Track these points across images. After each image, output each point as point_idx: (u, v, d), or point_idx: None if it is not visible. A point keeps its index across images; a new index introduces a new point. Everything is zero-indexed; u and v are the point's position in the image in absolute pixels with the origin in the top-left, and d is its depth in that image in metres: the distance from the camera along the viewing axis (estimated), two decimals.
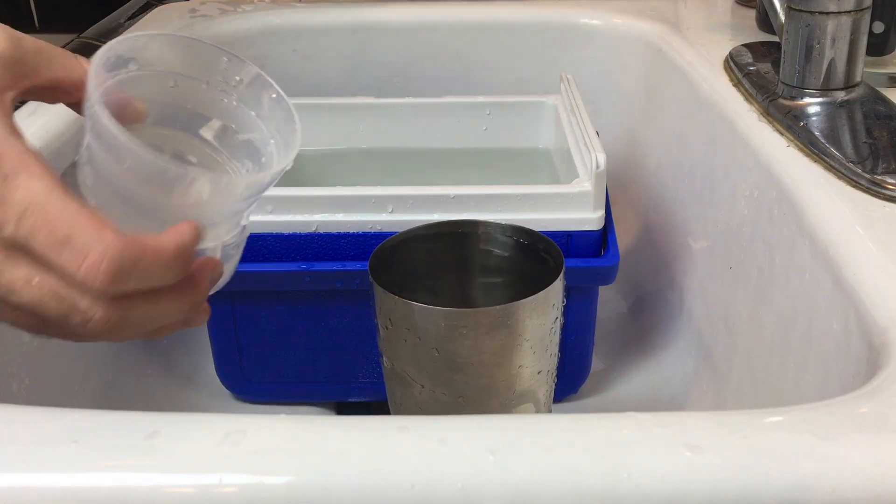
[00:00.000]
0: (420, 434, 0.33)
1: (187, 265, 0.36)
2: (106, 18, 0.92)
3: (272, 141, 0.40)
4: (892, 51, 0.70)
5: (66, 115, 0.64)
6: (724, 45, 0.78)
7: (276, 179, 0.38)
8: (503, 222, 0.56)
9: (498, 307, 0.49)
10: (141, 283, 0.34)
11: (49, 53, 0.38)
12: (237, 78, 0.40)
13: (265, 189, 0.38)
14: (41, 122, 0.63)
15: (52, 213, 0.33)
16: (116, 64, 0.37)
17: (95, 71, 0.35)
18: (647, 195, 0.84)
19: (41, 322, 0.35)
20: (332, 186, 0.61)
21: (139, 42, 0.38)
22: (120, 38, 0.38)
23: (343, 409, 0.71)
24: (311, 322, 0.64)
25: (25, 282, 0.34)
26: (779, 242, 0.55)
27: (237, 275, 0.60)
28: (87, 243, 0.33)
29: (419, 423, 0.34)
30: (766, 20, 0.81)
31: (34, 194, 0.34)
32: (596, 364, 0.70)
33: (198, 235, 0.36)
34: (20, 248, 0.34)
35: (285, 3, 0.95)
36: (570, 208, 0.60)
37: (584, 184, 0.60)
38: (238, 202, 0.38)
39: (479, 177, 0.75)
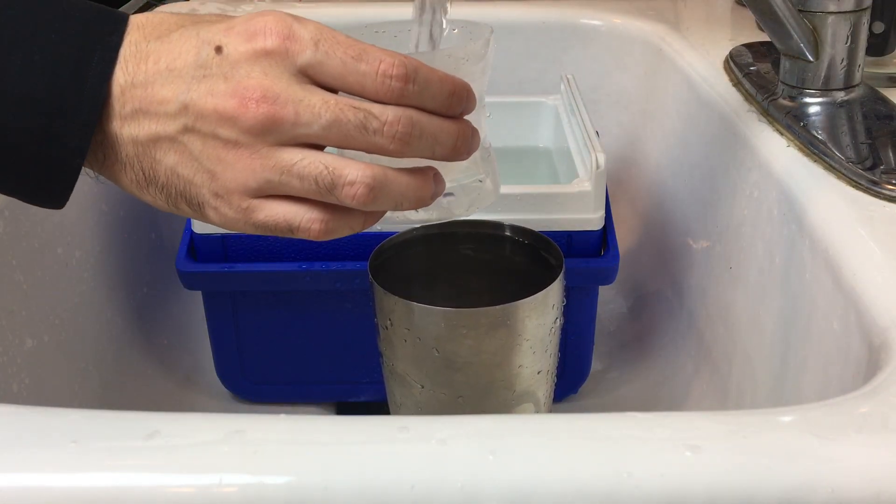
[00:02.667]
0: (420, 434, 0.33)
1: (457, 98, 0.40)
2: None
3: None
4: (892, 51, 0.70)
5: None
6: (724, 45, 0.78)
7: (486, 50, 0.45)
8: (503, 222, 0.56)
9: (498, 307, 0.49)
10: (422, 92, 0.38)
11: None
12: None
13: (482, 58, 0.44)
14: None
15: (343, 38, 0.38)
16: None
17: None
18: (647, 195, 0.84)
19: (342, 138, 0.38)
20: None
21: None
22: None
23: (343, 409, 0.71)
24: (311, 322, 0.64)
25: (323, 103, 0.37)
26: (779, 242, 0.55)
27: (237, 275, 0.61)
28: (380, 55, 0.38)
29: (419, 423, 0.34)
30: None
31: (322, 28, 0.38)
32: (596, 364, 0.70)
33: (465, 83, 0.40)
34: (311, 76, 0.38)
35: (285, 3, 0.95)
36: (570, 208, 0.60)
37: (584, 184, 0.60)
38: (466, 66, 0.43)
39: None
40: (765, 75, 0.68)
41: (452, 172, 0.43)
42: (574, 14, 0.92)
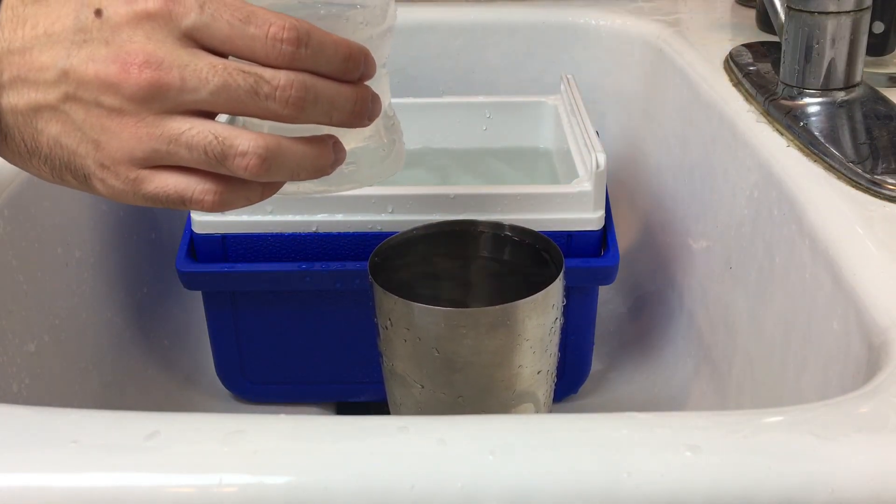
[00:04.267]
0: (420, 434, 0.33)
1: (354, 62, 0.38)
2: None
3: None
4: (892, 51, 0.70)
5: None
6: (724, 45, 0.78)
7: (387, 14, 0.42)
8: (503, 222, 0.56)
9: (498, 307, 0.49)
10: (316, 55, 0.37)
11: None
12: None
13: (382, 21, 0.42)
14: None
15: (231, 1, 0.36)
16: None
17: None
18: (647, 195, 0.84)
19: (232, 104, 0.36)
20: None
21: None
22: None
23: (343, 409, 0.71)
24: (311, 322, 0.64)
25: (211, 67, 0.36)
26: (779, 242, 0.55)
27: (237, 275, 0.61)
28: (270, 18, 0.36)
29: (419, 423, 0.34)
30: (766, 20, 0.81)
31: None
32: (596, 364, 0.70)
33: (363, 48, 0.38)
34: (198, 40, 0.36)
35: None
36: (570, 208, 0.60)
37: (584, 184, 0.60)
38: (365, 31, 0.41)
39: (479, 177, 0.75)
40: (765, 75, 0.68)
41: (354, 140, 0.42)
42: (574, 14, 0.92)
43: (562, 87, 0.76)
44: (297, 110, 0.37)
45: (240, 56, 0.37)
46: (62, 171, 0.38)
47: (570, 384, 0.68)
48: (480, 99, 0.78)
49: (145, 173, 0.37)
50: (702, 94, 0.72)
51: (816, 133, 0.57)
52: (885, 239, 0.47)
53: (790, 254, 0.53)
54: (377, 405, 0.69)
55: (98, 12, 0.36)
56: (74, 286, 0.65)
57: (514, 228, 0.56)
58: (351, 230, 0.60)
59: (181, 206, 0.38)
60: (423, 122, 0.77)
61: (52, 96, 0.36)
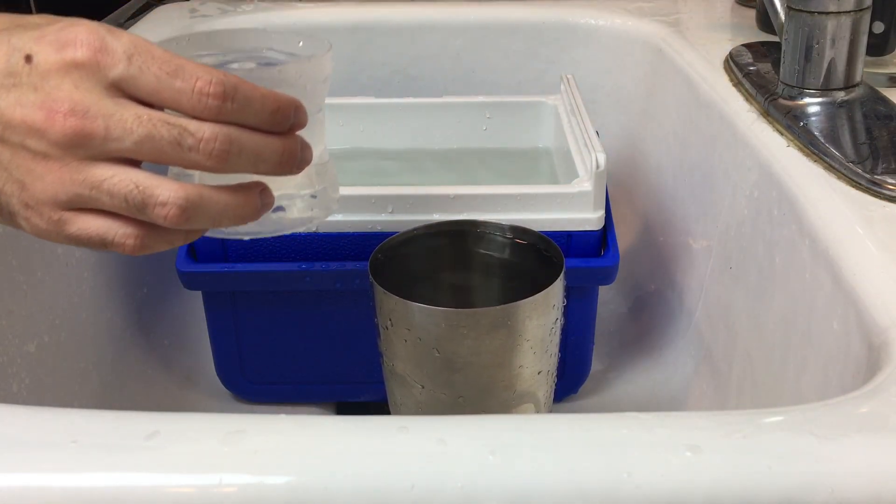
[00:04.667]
0: (420, 434, 0.33)
1: (283, 115, 0.39)
2: (105, 19, 0.92)
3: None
4: (892, 51, 0.70)
5: None
6: (724, 45, 0.78)
7: (321, 68, 0.43)
8: (503, 222, 0.56)
9: (498, 307, 0.49)
10: (243, 109, 0.38)
11: None
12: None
13: (317, 75, 0.43)
14: None
15: (159, 53, 0.37)
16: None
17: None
18: (647, 195, 0.84)
19: (156, 154, 0.37)
20: None
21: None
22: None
23: (343, 409, 0.71)
24: (311, 322, 0.64)
25: (136, 118, 0.37)
26: (779, 242, 0.55)
27: (237, 275, 0.61)
28: (197, 72, 0.37)
29: (419, 423, 0.34)
30: (766, 20, 0.81)
31: (138, 41, 0.37)
32: (596, 364, 0.70)
33: (292, 99, 0.39)
34: (125, 91, 0.37)
35: (285, 3, 0.95)
36: (570, 208, 0.60)
37: (584, 184, 0.60)
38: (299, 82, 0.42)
39: (479, 177, 0.75)
40: (765, 75, 0.68)
41: (284, 187, 0.43)
42: (574, 14, 0.92)
43: (562, 87, 0.76)
44: (220, 162, 0.38)
45: (167, 108, 0.37)
46: None
47: (570, 384, 0.68)
48: (480, 99, 0.78)
49: (68, 215, 0.38)
50: (702, 94, 0.72)
51: (816, 133, 0.57)
52: (885, 239, 0.47)
53: (790, 254, 0.53)
54: (377, 405, 0.69)
55: (28, 58, 0.37)
56: (74, 286, 0.65)
57: (514, 228, 0.56)
58: (351, 230, 0.60)
59: (102, 247, 0.39)
60: (423, 122, 0.77)
61: None
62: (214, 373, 0.68)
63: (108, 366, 0.67)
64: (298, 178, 0.43)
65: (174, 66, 0.37)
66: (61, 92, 0.36)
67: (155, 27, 0.88)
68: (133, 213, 0.38)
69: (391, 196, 0.60)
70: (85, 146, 0.36)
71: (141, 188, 0.37)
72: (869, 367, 0.41)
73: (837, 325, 0.46)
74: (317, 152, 0.43)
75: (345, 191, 0.60)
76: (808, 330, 0.50)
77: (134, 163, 0.38)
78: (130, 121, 0.36)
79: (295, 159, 0.40)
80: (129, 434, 0.34)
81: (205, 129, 0.37)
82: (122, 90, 0.37)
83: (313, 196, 0.45)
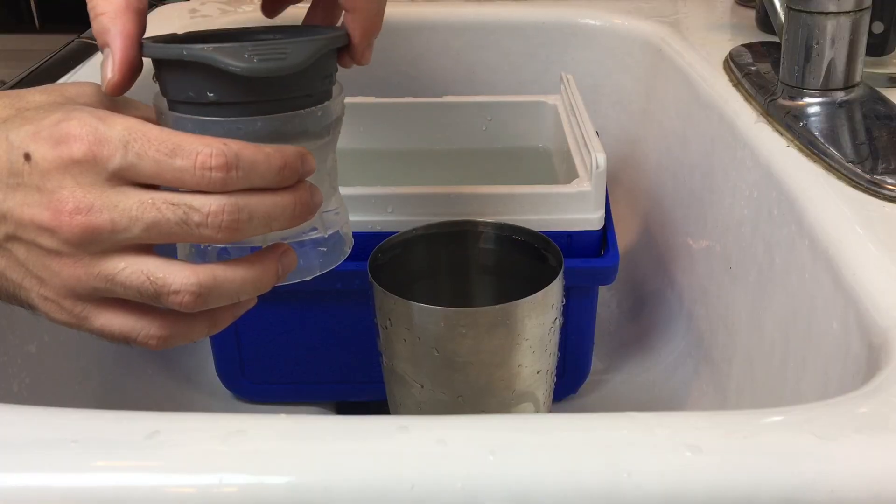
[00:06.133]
0: (420, 434, 0.33)
1: (290, 170, 0.38)
2: None
3: None
4: (892, 51, 0.70)
5: None
6: (724, 45, 0.78)
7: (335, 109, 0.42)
8: (503, 222, 0.56)
9: (497, 307, 0.49)
10: (248, 175, 0.37)
11: None
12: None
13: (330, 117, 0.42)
14: None
15: (155, 134, 0.37)
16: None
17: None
18: (647, 195, 0.84)
19: (165, 237, 0.37)
20: None
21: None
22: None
23: (343, 409, 0.71)
24: (311, 322, 0.64)
25: (139, 204, 0.36)
26: (779, 242, 0.55)
27: None
28: (196, 147, 0.36)
29: (419, 423, 0.34)
30: (766, 20, 0.81)
31: (132, 124, 0.37)
32: (596, 364, 0.70)
33: (298, 151, 0.39)
34: (125, 179, 0.37)
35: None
36: (570, 208, 0.60)
37: (584, 184, 0.60)
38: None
39: (479, 177, 0.75)
40: (765, 75, 0.68)
41: (299, 235, 0.42)
42: (574, 14, 0.92)
43: (561, 87, 0.76)
44: (232, 233, 0.37)
45: (171, 187, 0.37)
46: (9, 299, 0.40)
47: (570, 384, 0.68)
48: (480, 99, 0.78)
49: (90, 309, 0.38)
50: (701, 95, 0.72)
51: (816, 133, 0.58)
52: (885, 239, 0.47)
53: (790, 254, 0.53)
54: (377, 405, 0.69)
55: (27, 156, 0.37)
56: None
57: (514, 228, 0.56)
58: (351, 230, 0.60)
59: (125, 343, 0.39)
60: (423, 122, 0.77)
61: None
62: (214, 373, 0.68)
63: (108, 366, 0.67)
64: (306, 225, 0.42)
65: (171, 145, 0.36)
66: (64, 190, 0.36)
67: (155, 27, 0.88)
68: (147, 301, 0.38)
69: (391, 196, 0.60)
70: (95, 241, 0.37)
71: (152, 279, 0.37)
72: (869, 367, 0.41)
73: (837, 325, 0.46)
74: (331, 198, 0.43)
75: (345, 191, 0.60)
76: (808, 330, 0.50)
77: (147, 247, 0.38)
78: (135, 209, 0.36)
79: (307, 208, 0.40)
80: (129, 434, 0.34)
81: (210, 203, 0.37)
82: (123, 179, 0.37)
83: (322, 244, 0.44)
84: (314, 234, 0.43)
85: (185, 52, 0.38)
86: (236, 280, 0.39)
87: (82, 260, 0.37)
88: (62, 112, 0.37)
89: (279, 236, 0.41)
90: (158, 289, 0.37)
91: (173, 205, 0.37)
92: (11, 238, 0.38)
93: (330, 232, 0.44)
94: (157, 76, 0.41)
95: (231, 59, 0.37)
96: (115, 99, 0.41)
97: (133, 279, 0.37)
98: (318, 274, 0.44)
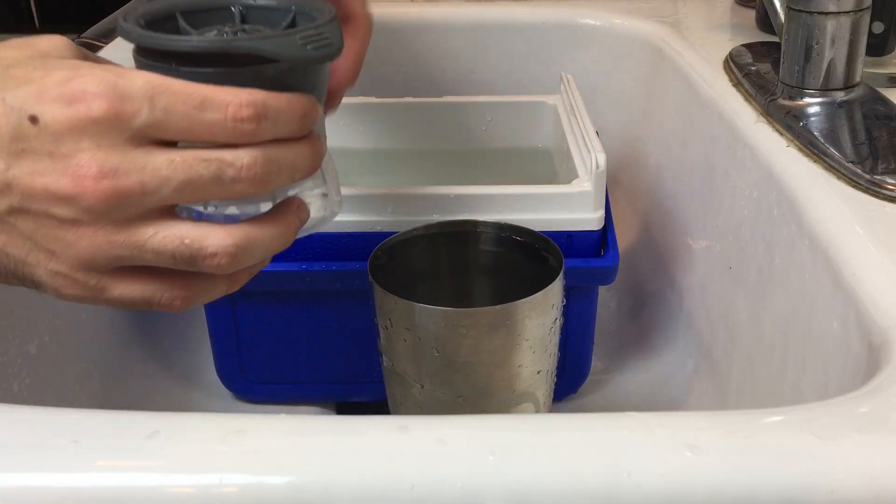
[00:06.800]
0: (420, 434, 0.33)
1: (310, 119, 0.37)
2: (106, 18, 0.92)
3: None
4: (892, 51, 0.70)
5: None
6: (724, 45, 0.78)
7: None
8: (503, 222, 0.56)
9: (497, 307, 0.49)
10: (275, 125, 0.35)
11: None
12: None
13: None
14: None
15: (178, 87, 0.34)
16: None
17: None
18: (647, 195, 0.84)
19: (197, 194, 0.35)
20: None
21: None
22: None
23: (343, 409, 0.71)
24: (311, 322, 0.64)
25: (169, 163, 0.34)
26: (779, 242, 0.55)
27: None
28: (224, 98, 0.34)
29: (419, 423, 0.34)
30: (766, 20, 0.81)
31: (151, 77, 0.34)
32: (596, 364, 0.70)
33: (311, 99, 0.37)
34: (148, 137, 0.34)
35: None
36: (570, 208, 0.60)
37: (584, 184, 0.60)
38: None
39: (479, 177, 0.75)
40: (765, 75, 0.68)
41: (301, 189, 0.42)
42: (574, 14, 0.92)
43: (561, 87, 0.76)
44: (264, 185, 0.36)
45: (199, 142, 0.35)
46: (7, 277, 0.36)
47: (570, 384, 0.68)
48: (480, 99, 0.78)
49: (106, 279, 0.36)
50: (701, 95, 0.72)
51: (816, 133, 0.58)
52: (885, 239, 0.47)
53: (790, 254, 0.53)
54: (377, 405, 0.69)
55: (33, 119, 0.33)
56: None
57: (514, 228, 0.56)
58: (351, 230, 0.60)
59: (146, 308, 0.37)
60: (423, 122, 0.77)
61: None
62: (214, 373, 0.68)
63: (108, 366, 0.67)
64: (311, 178, 0.41)
65: (199, 97, 0.34)
66: (83, 154, 0.33)
67: None
68: (180, 267, 0.36)
69: (391, 196, 0.60)
70: (121, 207, 0.34)
71: (188, 242, 0.35)
72: (869, 367, 0.41)
73: (837, 325, 0.46)
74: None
75: (345, 191, 0.60)
76: (807, 330, 0.50)
77: (171, 210, 0.36)
78: (165, 168, 0.34)
79: (321, 158, 0.39)
80: (129, 434, 0.34)
81: (243, 157, 0.35)
82: (146, 137, 0.34)
83: (325, 194, 0.44)
84: (319, 189, 0.43)
85: (231, 44, 0.36)
86: (266, 238, 0.37)
87: (104, 228, 0.34)
88: (66, 69, 0.34)
89: (290, 192, 0.41)
90: (195, 252, 0.35)
91: (205, 160, 0.34)
92: (16, 211, 0.34)
93: (330, 184, 0.44)
94: (165, 57, 0.37)
95: (286, 49, 0.36)
96: (88, 54, 0.38)
97: (167, 244, 0.35)
98: (320, 229, 0.44)
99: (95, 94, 0.33)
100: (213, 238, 0.35)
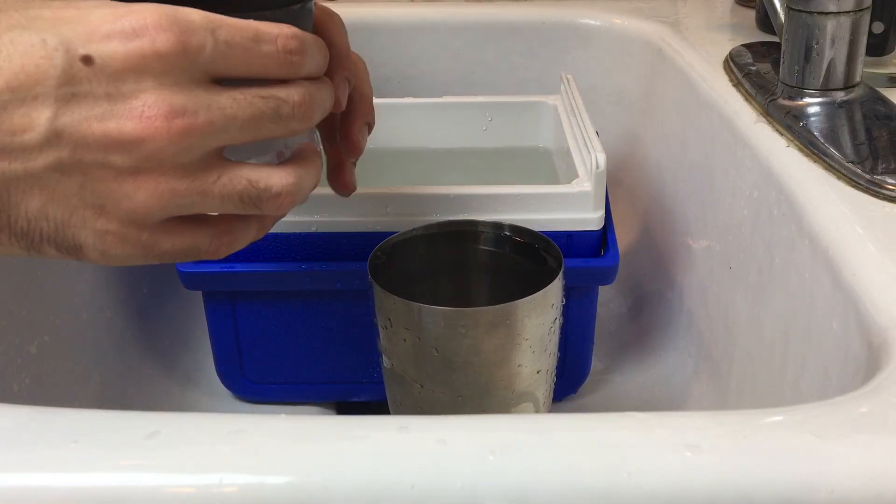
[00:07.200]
0: (420, 434, 0.33)
1: (327, 55, 0.37)
2: None
3: None
4: (892, 51, 0.70)
5: None
6: (724, 45, 0.78)
7: None
8: (503, 222, 0.56)
9: (497, 306, 0.49)
10: (312, 59, 0.35)
11: None
12: None
13: None
14: None
15: (233, 21, 0.33)
16: None
17: None
18: (647, 195, 0.84)
19: (256, 133, 0.34)
20: None
21: None
22: None
23: (343, 409, 0.71)
24: (312, 322, 0.64)
25: (233, 101, 0.33)
26: (779, 242, 0.55)
27: (237, 275, 0.61)
28: (272, 31, 0.34)
29: (419, 422, 0.34)
30: (766, 20, 0.81)
31: (207, 13, 0.33)
32: (596, 364, 0.70)
33: (320, 39, 0.37)
34: (209, 74, 0.33)
35: None
36: (570, 208, 0.60)
37: (584, 184, 0.60)
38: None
39: (479, 177, 0.75)
40: (765, 75, 0.68)
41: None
42: (574, 14, 0.92)
43: (562, 87, 0.76)
44: (309, 121, 0.36)
45: (253, 78, 0.34)
46: (42, 244, 0.33)
47: (570, 384, 0.68)
48: (480, 99, 0.78)
49: (159, 233, 0.34)
50: (701, 95, 0.72)
51: (816, 133, 0.58)
52: (885, 239, 0.47)
53: (790, 254, 0.53)
54: (377, 405, 0.69)
55: (87, 59, 0.31)
56: (75, 286, 0.65)
57: (514, 228, 0.56)
58: (351, 230, 0.60)
59: (193, 258, 0.36)
60: (423, 122, 0.77)
61: (35, 164, 0.31)
62: (214, 373, 0.68)
63: (108, 366, 0.67)
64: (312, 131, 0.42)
65: (252, 29, 0.33)
66: (148, 94, 0.31)
67: None
68: (246, 210, 0.35)
69: (391, 196, 0.60)
70: (189, 149, 0.32)
71: (254, 182, 0.34)
72: (869, 367, 0.41)
73: (837, 325, 0.46)
74: None
75: None
76: (807, 330, 0.50)
77: (220, 153, 0.34)
78: (230, 107, 0.33)
79: (336, 97, 0.39)
80: (129, 434, 0.34)
81: (293, 93, 0.34)
82: (207, 73, 0.33)
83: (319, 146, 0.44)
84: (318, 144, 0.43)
85: None
86: (309, 176, 0.37)
87: (166, 175, 0.32)
88: (106, 5, 0.32)
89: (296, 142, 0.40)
90: (261, 193, 0.34)
91: (264, 97, 0.33)
92: (65, 165, 0.31)
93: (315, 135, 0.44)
94: None
95: None
96: None
97: (233, 186, 0.34)
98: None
99: (159, 27, 0.31)
100: (276, 177, 0.35)
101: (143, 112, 0.31)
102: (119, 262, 0.34)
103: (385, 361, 0.53)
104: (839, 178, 0.53)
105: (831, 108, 0.61)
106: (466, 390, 0.50)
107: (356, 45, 1.00)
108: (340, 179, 0.47)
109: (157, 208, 0.33)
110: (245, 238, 0.38)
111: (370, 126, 0.48)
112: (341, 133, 0.46)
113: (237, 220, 0.37)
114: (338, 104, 0.39)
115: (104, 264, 0.36)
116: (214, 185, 0.34)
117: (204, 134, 0.32)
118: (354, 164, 0.48)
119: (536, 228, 0.55)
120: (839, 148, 0.55)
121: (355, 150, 0.47)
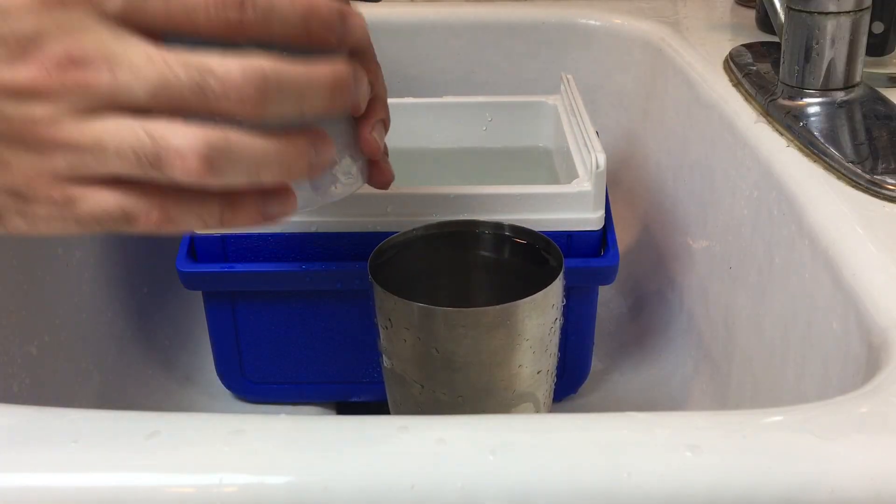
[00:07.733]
0: (420, 434, 0.33)
1: (320, 22, 0.31)
2: None
3: None
4: (892, 51, 0.70)
5: None
6: (724, 45, 0.78)
7: None
8: (503, 222, 0.56)
9: (497, 307, 0.49)
10: (267, 18, 0.30)
11: None
12: None
13: None
14: None
15: None
16: None
17: None
18: (647, 195, 0.84)
19: (175, 104, 0.30)
20: None
21: None
22: None
23: (343, 409, 0.71)
24: (311, 322, 0.64)
25: (147, 60, 0.29)
26: (779, 242, 0.55)
27: (237, 275, 0.61)
28: None
29: (419, 423, 0.34)
30: (766, 20, 0.81)
31: None
32: (596, 364, 0.70)
33: (333, 3, 0.32)
34: (127, 22, 0.29)
35: None
36: (570, 208, 0.60)
37: (584, 184, 0.60)
38: None
39: (479, 177, 0.75)
40: (764, 75, 0.68)
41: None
42: (574, 14, 0.92)
43: (562, 87, 0.76)
44: (257, 107, 0.30)
45: (179, 34, 0.30)
46: None
47: (570, 384, 0.68)
48: (480, 99, 0.78)
49: (77, 191, 0.30)
50: (702, 95, 0.72)
51: (816, 133, 0.58)
52: (885, 239, 0.47)
53: (790, 254, 0.53)
54: (377, 405, 0.69)
55: None
56: (75, 286, 0.65)
57: (514, 228, 0.56)
58: (351, 230, 0.60)
59: (123, 226, 0.31)
60: (423, 122, 0.77)
61: None
62: (214, 373, 0.68)
63: (108, 366, 0.67)
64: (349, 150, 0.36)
65: None
66: (47, 38, 0.28)
67: None
68: (147, 171, 0.30)
69: (391, 196, 0.60)
70: (87, 99, 0.29)
71: (152, 135, 0.29)
72: (869, 367, 0.41)
73: (837, 325, 0.46)
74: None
75: None
76: (807, 330, 0.50)
77: (146, 114, 0.30)
78: (141, 64, 0.29)
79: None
80: (129, 434, 0.34)
81: (231, 68, 0.29)
82: (125, 21, 0.29)
83: (353, 158, 0.38)
84: (356, 162, 0.37)
85: None
86: (256, 149, 0.30)
87: (64, 125, 0.29)
88: None
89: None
90: (159, 149, 0.29)
91: (186, 65, 0.29)
92: None
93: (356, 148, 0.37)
94: None
95: None
96: None
97: (127, 137, 0.29)
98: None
99: None
100: (181, 135, 0.30)
101: (37, 57, 0.29)
102: (42, 229, 0.31)
103: (385, 361, 0.53)
104: (839, 178, 0.53)
105: (831, 108, 0.61)
106: (467, 390, 0.50)
107: None
108: (378, 179, 0.44)
109: (60, 161, 0.30)
110: (198, 215, 0.32)
111: (386, 125, 0.42)
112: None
113: (188, 192, 0.32)
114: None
115: (31, 234, 0.31)
116: (107, 135, 0.29)
117: (101, 86, 0.29)
118: (386, 156, 0.44)
119: (536, 228, 0.55)
120: (839, 148, 0.55)
121: (372, 151, 0.42)
